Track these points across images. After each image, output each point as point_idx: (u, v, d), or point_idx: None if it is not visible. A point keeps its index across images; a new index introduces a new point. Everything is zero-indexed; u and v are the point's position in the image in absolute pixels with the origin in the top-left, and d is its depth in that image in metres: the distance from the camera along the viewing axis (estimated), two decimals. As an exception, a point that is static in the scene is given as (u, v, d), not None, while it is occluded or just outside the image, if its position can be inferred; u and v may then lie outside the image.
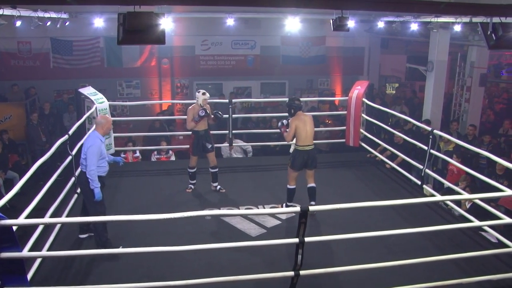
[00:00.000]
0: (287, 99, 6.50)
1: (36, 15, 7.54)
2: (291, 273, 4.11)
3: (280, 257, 4.92)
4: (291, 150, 8.47)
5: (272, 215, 6.11)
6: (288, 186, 6.31)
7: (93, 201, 5.11)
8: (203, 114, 6.54)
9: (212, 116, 6.77)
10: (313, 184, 6.31)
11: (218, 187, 6.96)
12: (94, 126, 5.67)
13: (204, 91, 6.72)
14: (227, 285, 4.32)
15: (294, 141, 6.27)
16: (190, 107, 6.73)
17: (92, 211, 5.16)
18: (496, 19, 3.77)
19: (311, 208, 3.85)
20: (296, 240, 3.97)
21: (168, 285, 4.04)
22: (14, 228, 3.65)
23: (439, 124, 10.06)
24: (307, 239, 3.98)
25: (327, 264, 4.46)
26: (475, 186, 7.86)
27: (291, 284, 4.18)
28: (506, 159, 6.64)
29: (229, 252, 5.12)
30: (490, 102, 13.73)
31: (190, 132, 6.83)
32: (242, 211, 5.82)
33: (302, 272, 4.10)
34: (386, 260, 4.60)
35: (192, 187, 6.97)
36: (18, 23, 7.58)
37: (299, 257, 4.03)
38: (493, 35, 3.75)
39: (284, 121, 6.42)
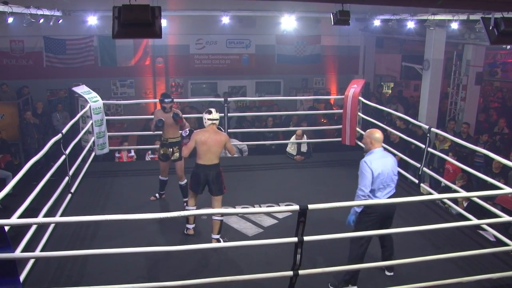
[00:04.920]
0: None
1: (29, 12, 7.43)
2: (290, 273, 4.04)
3: (277, 257, 4.86)
4: (288, 148, 8.47)
5: (269, 214, 6.04)
6: (164, 178, 6.52)
7: None
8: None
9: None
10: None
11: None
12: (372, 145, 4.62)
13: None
14: (224, 286, 4.25)
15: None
16: None
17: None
18: (498, 14, 3.73)
19: (310, 206, 3.78)
20: (295, 239, 3.91)
21: (164, 286, 3.96)
22: (6, 228, 3.55)
23: (435, 122, 10.06)
24: (306, 238, 3.92)
25: (325, 263, 4.40)
26: (471, 185, 7.84)
27: (290, 284, 4.11)
28: (502, 157, 6.61)
29: (226, 252, 5.06)
30: (485, 101, 13.76)
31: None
32: (239, 210, 5.76)
33: (301, 272, 4.04)
34: (385, 259, 4.56)
35: None
36: (10, 20, 7.45)
37: (298, 256, 3.96)
38: (495, 30, 3.71)
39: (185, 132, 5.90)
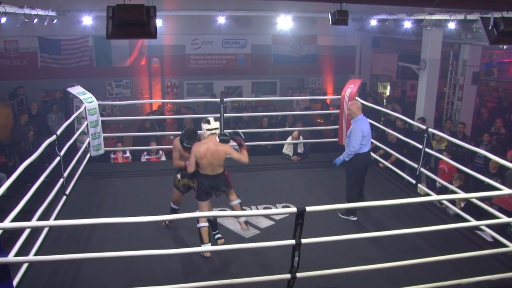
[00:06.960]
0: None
1: (22, 12, 7.36)
2: (288, 276, 4.01)
3: (275, 259, 4.81)
4: (285, 149, 8.43)
5: (266, 216, 6.00)
6: (176, 207, 5.76)
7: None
8: None
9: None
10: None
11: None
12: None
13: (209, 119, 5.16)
14: (221, 289, 4.21)
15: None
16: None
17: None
18: (497, 14, 3.71)
19: (308, 208, 3.74)
20: (293, 241, 3.87)
21: (161, 289, 3.91)
22: (-1, 232, 3.50)
23: (432, 122, 10.06)
24: (303, 240, 3.88)
25: (323, 265, 4.36)
26: (468, 185, 7.82)
27: (288, 286, 4.07)
28: (499, 157, 6.60)
29: (223, 254, 5.01)
30: (481, 100, 13.79)
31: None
32: (236, 212, 5.70)
33: (298, 275, 4.00)
34: (383, 261, 4.53)
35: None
36: (3, 20, 7.37)
37: (296, 259, 3.92)
38: (494, 30, 3.69)
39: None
